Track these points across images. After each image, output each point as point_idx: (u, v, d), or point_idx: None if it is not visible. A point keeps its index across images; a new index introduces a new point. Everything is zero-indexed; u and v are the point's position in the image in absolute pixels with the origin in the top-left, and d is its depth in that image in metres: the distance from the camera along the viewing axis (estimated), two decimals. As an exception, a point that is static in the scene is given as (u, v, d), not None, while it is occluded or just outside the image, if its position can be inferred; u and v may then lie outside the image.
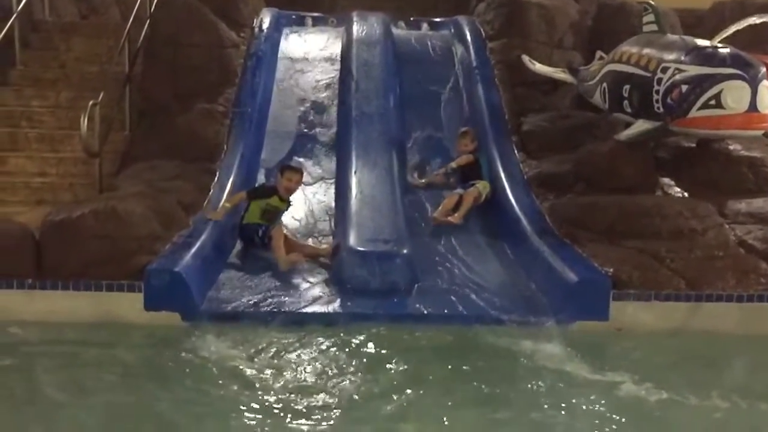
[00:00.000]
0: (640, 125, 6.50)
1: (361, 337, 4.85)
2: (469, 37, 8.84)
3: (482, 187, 6.69)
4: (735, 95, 5.86)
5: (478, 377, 4.29)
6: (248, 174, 6.97)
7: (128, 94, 7.72)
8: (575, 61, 8.28)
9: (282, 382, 4.22)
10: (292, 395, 4.05)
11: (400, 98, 7.98)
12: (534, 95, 8.12)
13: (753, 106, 5.87)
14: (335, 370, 4.38)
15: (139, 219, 5.35)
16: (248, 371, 4.32)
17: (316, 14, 9.72)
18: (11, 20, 7.98)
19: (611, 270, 5.21)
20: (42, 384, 4.08)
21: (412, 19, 9.79)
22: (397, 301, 5.36)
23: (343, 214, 6.28)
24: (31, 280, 4.98)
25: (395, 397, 4.03)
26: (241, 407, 3.89)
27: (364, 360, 4.55)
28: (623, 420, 3.78)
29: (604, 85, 7.11)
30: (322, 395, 4.05)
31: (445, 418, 3.81)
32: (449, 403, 3.98)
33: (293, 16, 9.56)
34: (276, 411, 3.86)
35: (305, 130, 7.80)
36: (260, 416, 3.80)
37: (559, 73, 8.06)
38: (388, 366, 4.49)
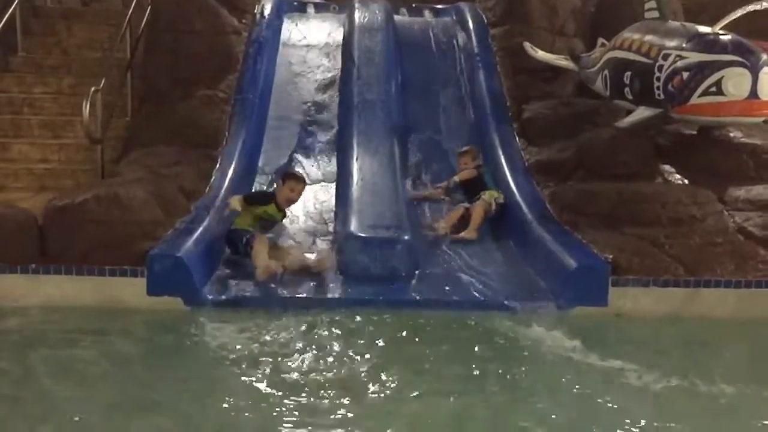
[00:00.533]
0: (641, 112, 6.51)
1: (362, 323, 4.89)
2: (471, 24, 8.84)
3: (488, 196, 6.36)
4: (736, 82, 5.87)
5: (478, 362, 4.32)
6: (249, 161, 6.99)
7: (129, 80, 7.73)
8: (577, 48, 8.27)
9: (284, 367, 4.24)
10: (294, 379, 4.07)
11: (401, 85, 7.99)
12: (535, 82, 8.11)
13: (754, 93, 5.88)
14: (336, 355, 4.41)
15: (141, 205, 5.38)
16: (250, 356, 4.34)
17: (317, 1, 9.72)
18: (13, 6, 7.99)
19: (610, 256, 5.24)
20: (42, 369, 4.09)
21: (414, 5, 9.80)
22: (398, 287, 5.39)
23: (345, 201, 6.30)
24: (35, 265, 5.02)
25: (396, 379, 4.05)
26: (242, 391, 3.92)
27: (365, 344, 4.58)
28: (623, 402, 3.81)
29: (606, 72, 7.11)
30: (323, 380, 4.08)
31: (443, 401, 3.83)
32: (449, 386, 4.01)
33: (295, 3, 9.56)
34: (277, 395, 3.87)
35: (307, 118, 7.82)
36: (261, 400, 3.82)
37: (561, 60, 8.05)
38: (388, 350, 4.52)
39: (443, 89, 8.22)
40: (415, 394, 3.91)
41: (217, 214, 5.81)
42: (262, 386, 3.97)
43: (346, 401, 3.81)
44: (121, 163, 6.73)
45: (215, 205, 5.93)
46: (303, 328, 4.78)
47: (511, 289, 5.34)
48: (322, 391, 3.92)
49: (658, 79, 6.23)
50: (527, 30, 8.29)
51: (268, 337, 4.60)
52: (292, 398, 3.82)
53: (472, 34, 8.66)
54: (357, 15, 8.83)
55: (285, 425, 3.55)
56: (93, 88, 6.69)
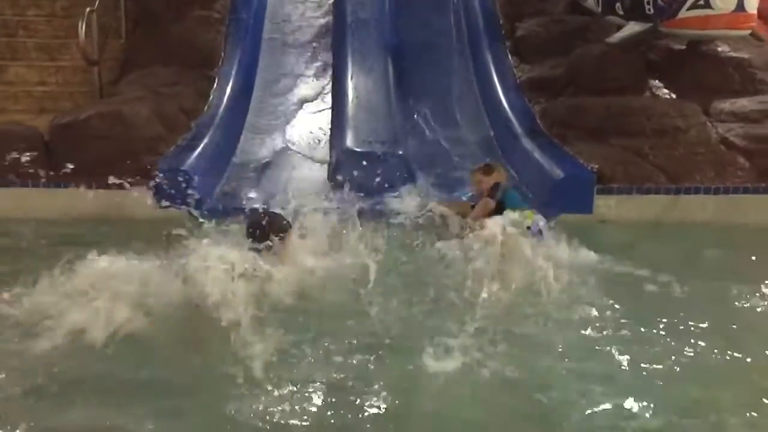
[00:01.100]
0: (631, 27, 6.62)
1: (361, 231, 5.11)
2: (463, -59, 8.76)
3: (520, 216, 4.37)
4: (723, -5, 5.97)
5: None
6: (246, 80, 7.10)
7: (123, 2, 7.72)
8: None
9: (285, 274, 4.46)
10: (297, 287, 4.20)
11: (394, 5, 8.01)
12: (528, 0, 8.14)
13: (740, 6, 5.99)
14: (336, 258, 4.63)
15: (143, 121, 5.56)
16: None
17: None
18: (2, -74, 7.89)
19: (596, 166, 5.46)
20: (56, 276, 4.30)
21: None
22: (393, 198, 5.62)
23: (340, 118, 6.47)
24: (45, 179, 5.21)
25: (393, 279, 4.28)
26: (244, 298, 4.09)
27: (364, 248, 4.81)
28: (597, 292, 4.06)
29: (598, -12, 7.17)
30: (326, 283, 4.28)
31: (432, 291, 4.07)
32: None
33: None
34: (278, 300, 3.90)
35: (301, 38, 7.87)
36: (264, 306, 3.80)
37: (554, -22, 8.06)
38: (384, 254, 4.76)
39: (435, 9, 8.23)
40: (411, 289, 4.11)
41: (217, 131, 5.98)
42: (262, 293, 3.91)
43: (349, 298, 3.98)
44: (120, 84, 6.84)
45: (214, 123, 6.09)
46: (302, 236, 4.98)
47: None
48: (323, 293, 4.07)
49: (648, -7, 6.32)
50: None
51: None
52: (292, 302, 3.87)
53: (465, -48, 8.61)
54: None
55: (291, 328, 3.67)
56: (88, 9, 6.71)
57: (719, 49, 6.83)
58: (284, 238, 4.07)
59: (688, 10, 6.07)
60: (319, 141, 6.56)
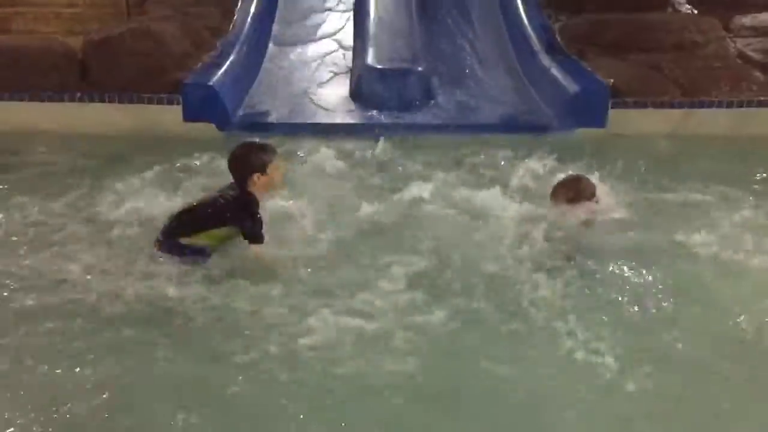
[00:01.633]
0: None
1: (382, 145, 5.31)
2: None
3: None
4: None
5: (482, 172, 4.78)
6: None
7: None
8: None
9: (310, 186, 4.66)
10: (319, 199, 4.30)
11: None
12: None
13: None
14: (359, 172, 4.86)
15: (171, 38, 5.74)
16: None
17: None
18: None
19: (611, 80, 5.55)
20: (93, 182, 4.58)
21: None
22: (414, 114, 5.80)
23: (362, 37, 6.58)
24: (80, 93, 5.46)
25: (414, 191, 4.48)
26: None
27: (385, 163, 5.03)
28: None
29: None
30: (347, 195, 4.49)
31: (451, 206, 4.29)
32: (459, 194, 4.46)
33: None
34: (299, 213, 4.03)
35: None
36: (283, 219, 3.98)
37: None
38: (404, 166, 4.98)
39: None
40: (430, 198, 4.34)
41: (242, 48, 6.15)
42: (284, 206, 4.09)
43: (365, 211, 4.20)
44: (146, 4, 6.99)
45: (240, 40, 6.25)
46: (327, 150, 5.17)
47: (519, 114, 5.75)
48: (342, 206, 4.27)
49: None
50: None
51: (294, 158, 4.96)
52: (312, 213, 4.00)
53: None
54: None
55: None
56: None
57: (743, -36, 6.76)
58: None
59: None
60: (344, 56, 6.67)
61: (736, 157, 5.25)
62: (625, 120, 5.53)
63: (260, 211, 3.56)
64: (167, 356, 2.97)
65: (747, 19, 6.19)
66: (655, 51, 5.85)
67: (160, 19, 6.12)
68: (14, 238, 3.85)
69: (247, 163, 3.56)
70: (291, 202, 4.07)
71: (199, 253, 3.50)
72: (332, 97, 6.09)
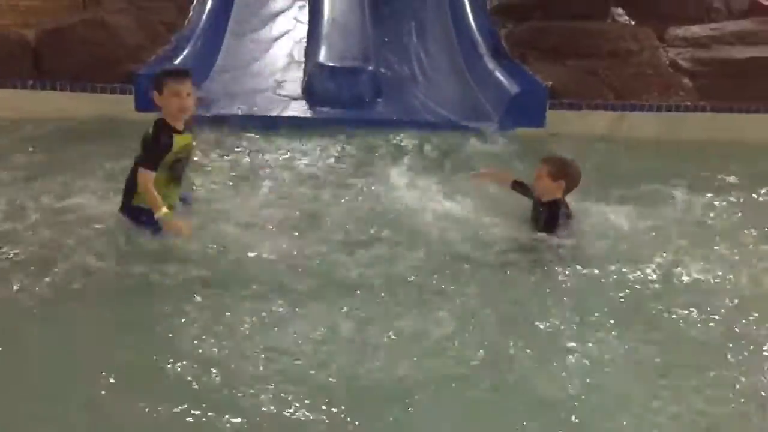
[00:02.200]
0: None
1: (329, 139, 5.51)
2: None
3: None
4: None
5: (435, 164, 5.03)
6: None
7: None
8: None
9: (256, 178, 4.79)
10: (265, 190, 4.51)
11: None
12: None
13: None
14: (306, 164, 5.04)
15: (125, 30, 5.86)
16: (225, 168, 4.83)
17: None
18: None
19: (550, 82, 5.85)
20: (49, 163, 4.70)
21: None
22: (363, 110, 6.01)
23: (315, 37, 6.78)
24: (32, 81, 5.54)
25: (360, 180, 4.69)
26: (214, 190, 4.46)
27: (333, 155, 5.22)
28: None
29: None
30: (297, 188, 4.65)
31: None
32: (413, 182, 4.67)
33: None
34: (249, 209, 4.21)
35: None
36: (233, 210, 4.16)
37: None
38: (351, 159, 5.18)
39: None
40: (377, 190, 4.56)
41: (196, 43, 6.29)
42: (233, 195, 4.34)
43: (317, 201, 4.40)
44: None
45: (195, 34, 6.39)
46: (275, 144, 5.34)
47: (462, 112, 5.99)
48: (293, 199, 4.42)
49: None
50: None
51: (244, 152, 5.12)
52: (263, 209, 4.20)
53: None
54: None
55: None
56: None
57: (679, -21, 7.15)
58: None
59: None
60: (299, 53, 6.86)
61: (665, 157, 5.59)
62: (562, 121, 5.83)
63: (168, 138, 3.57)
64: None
65: (680, 31, 6.57)
66: (592, 57, 6.18)
67: (114, 11, 6.22)
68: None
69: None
70: (231, 183, 4.23)
71: (153, 223, 3.57)
72: (286, 92, 6.27)
